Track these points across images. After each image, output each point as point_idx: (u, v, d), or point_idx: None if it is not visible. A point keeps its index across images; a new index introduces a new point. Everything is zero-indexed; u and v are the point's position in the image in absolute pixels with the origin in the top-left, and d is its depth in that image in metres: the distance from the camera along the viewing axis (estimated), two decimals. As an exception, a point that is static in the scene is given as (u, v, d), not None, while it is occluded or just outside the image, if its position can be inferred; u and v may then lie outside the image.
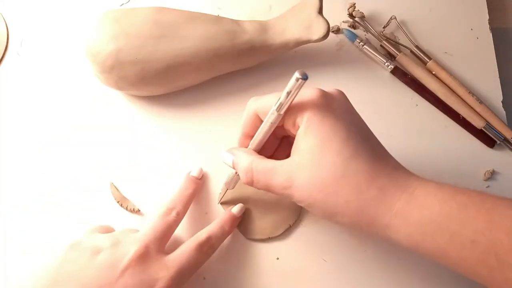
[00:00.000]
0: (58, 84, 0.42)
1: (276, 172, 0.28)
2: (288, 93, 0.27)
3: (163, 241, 0.33)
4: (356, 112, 0.30)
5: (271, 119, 0.29)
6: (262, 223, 0.38)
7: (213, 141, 0.41)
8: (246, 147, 0.32)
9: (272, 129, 0.30)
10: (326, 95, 0.29)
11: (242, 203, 0.38)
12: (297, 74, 0.26)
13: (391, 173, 0.27)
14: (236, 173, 0.34)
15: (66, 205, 0.38)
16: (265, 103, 0.30)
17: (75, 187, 0.39)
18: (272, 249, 0.38)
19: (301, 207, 0.38)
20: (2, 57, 0.43)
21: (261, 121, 0.30)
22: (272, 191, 0.29)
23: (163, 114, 0.42)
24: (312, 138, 0.27)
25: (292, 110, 0.28)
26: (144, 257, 0.30)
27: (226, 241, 0.37)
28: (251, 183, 0.30)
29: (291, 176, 0.28)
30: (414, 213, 0.26)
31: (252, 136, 0.31)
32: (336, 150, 0.27)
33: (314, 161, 0.27)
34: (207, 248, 0.33)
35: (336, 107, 0.28)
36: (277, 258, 0.37)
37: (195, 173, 0.38)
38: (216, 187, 0.39)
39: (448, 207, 0.25)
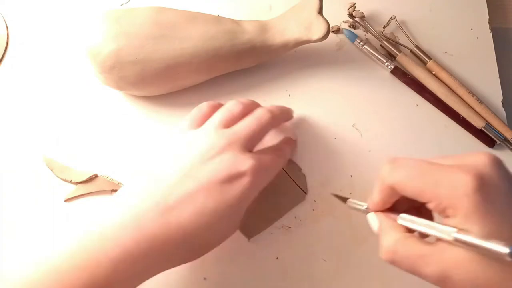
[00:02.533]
0: (59, 85, 0.42)
1: (426, 262, 0.24)
2: (477, 247, 0.21)
3: (252, 141, 0.32)
4: None
5: (442, 236, 0.24)
6: (261, 219, 0.38)
7: (213, 141, 0.41)
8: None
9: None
10: (484, 194, 0.23)
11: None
12: (505, 250, 0.20)
13: None
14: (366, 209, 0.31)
15: (66, 204, 0.38)
16: (402, 184, 0.26)
17: (75, 187, 0.39)
18: (272, 249, 0.38)
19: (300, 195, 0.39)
20: (2, 57, 0.43)
21: (398, 194, 0.27)
22: (419, 276, 0.25)
23: (163, 114, 0.42)
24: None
25: (441, 197, 0.24)
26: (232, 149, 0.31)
27: (226, 241, 0.37)
28: (392, 263, 0.26)
29: (446, 271, 0.23)
30: None
31: (385, 204, 0.28)
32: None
33: (475, 259, 0.23)
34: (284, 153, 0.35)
35: (497, 199, 0.23)
36: (277, 258, 0.37)
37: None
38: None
39: None
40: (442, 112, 0.43)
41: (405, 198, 0.27)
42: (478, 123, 0.42)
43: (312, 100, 0.43)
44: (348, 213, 0.39)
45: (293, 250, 0.38)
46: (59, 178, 0.39)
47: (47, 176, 0.39)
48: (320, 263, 0.37)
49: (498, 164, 0.24)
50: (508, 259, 0.19)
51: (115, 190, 0.38)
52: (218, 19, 0.39)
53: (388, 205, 0.28)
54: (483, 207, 0.22)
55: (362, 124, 0.42)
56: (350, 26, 0.47)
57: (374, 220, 0.29)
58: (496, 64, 0.46)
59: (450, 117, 0.43)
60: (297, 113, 0.43)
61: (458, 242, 0.22)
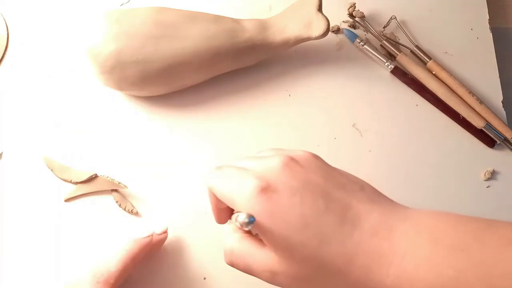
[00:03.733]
0: (59, 85, 0.42)
1: (255, 260, 0.26)
2: (241, 225, 0.23)
3: None
4: (315, 180, 0.25)
5: (238, 225, 0.24)
6: None
7: (213, 141, 0.41)
8: (222, 218, 0.31)
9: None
10: (262, 190, 0.24)
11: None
12: (242, 217, 0.22)
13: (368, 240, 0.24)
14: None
15: (65, 204, 0.38)
16: (213, 191, 0.27)
17: (75, 187, 0.39)
18: (272, 249, 0.38)
19: None
20: (2, 57, 0.43)
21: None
22: (255, 276, 0.27)
23: (164, 114, 0.42)
24: (272, 240, 0.24)
25: (234, 202, 0.25)
26: None
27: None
28: (231, 265, 0.28)
29: (272, 268, 0.25)
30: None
31: (224, 208, 0.30)
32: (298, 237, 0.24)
33: (286, 256, 0.24)
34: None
35: (281, 200, 0.24)
36: (277, 258, 0.37)
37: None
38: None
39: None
40: (442, 112, 0.43)
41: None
42: (478, 123, 0.42)
43: (312, 100, 0.43)
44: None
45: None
46: (59, 178, 0.39)
47: (47, 176, 0.39)
48: (320, 263, 0.37)
49: (287, 163, 0.26)
50: (248, 225, 0.22)
51: (115, 190, 0.38)
52: (218, 18, 0.39)
53: (225, 210, 0.30)
54: (264, 204, 0.24)
55: (362, 124, 0.42)
56: (350, 26, 0.47)
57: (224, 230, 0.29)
58: (496, 64, 0.46)
59: (450, 117, 0.43)
60: (297, 113, 0.43)
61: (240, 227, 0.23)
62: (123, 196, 0.39)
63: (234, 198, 0.25)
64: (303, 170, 0.26)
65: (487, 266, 0.21)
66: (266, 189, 0.24)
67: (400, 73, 0.44)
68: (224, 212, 0.30)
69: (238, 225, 0.23)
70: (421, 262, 0.22)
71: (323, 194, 0.25)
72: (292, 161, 0.26)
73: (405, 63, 0.44)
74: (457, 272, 0.21)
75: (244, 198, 0.24)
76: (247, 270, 0.27)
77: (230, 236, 0.28)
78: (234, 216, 0.25)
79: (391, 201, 0.26)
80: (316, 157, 0.28)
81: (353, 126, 0.42)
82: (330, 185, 0.25)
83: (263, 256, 0.26)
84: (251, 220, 0.22)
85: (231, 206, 0.26)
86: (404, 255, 0.23)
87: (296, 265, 0.24)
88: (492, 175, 0.41)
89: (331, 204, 0.24)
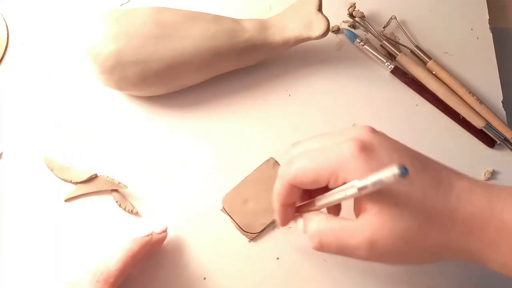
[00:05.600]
0: (59, 85, 0.42)
1: (351, 234, 0.26)
2: (377, 183, 0.23)
3: None
4: (401, 146, 0.27)
5: (349, 193, 0.25)
6: (261, 218, 0.38)
7: (213, 141, 0.41)
8: (287, 218, 0.31)
9: (344, 200, 0.27)
10: (362, 148, 0.26)
11: (242, 203, 0.38)
12: (396, 170, 0.21)
13: (467, 197, 0.25)
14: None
15: (65, 204, 0.38)
16: (300, 174, 0.27)
17: (75, 187, 0.39)
18: (272, 249, 0.38)
19: None
20: (2, 57, 0.43)
21: (298, 189, 0.28)
22: (348, 254, 0.27)
23: (164, 114, 0.42)
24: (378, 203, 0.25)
25: (334, 168, 0.26)
26: None
27: (226, 241, 0.37)
28: (320, 248, 0.27)
29: (371, 237, 0.25)
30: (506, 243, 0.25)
31: (291, 205, 0.30)
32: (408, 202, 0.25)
33: (394, 218, 0.25)
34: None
35: (378, 154, 0.26)
36: (277, 258, 0.37)
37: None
38: (215, 187, 0.39)
39: None
40: (442, 112, 0.43)
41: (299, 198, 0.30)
42: (478, 123, 0.42)
43: (312, 100, 0.43)
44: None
45: (293, 250, 0.38)
46: (59, 178, 0.39)
47: (47, 176, 0.39)
48: (320, 263, 0.37)
49: (372, 130, 0.28)
50: (400, 178, 0.21)
51: (115, 190, 0.38)
52: (218, 18, 0.39)
53: (290, 203, 0.30)
54: (369, 162, 0.25)
55: (362, 124, 0.42)
56: (350, 26, 0.47)
57: (299, 223, 0.30)
58: (496, 64, 0.46)
59: (450, 117, 0.43)
60: (297, 113, 0.43)
61: (362, 190, 0.24)
62: (123, 196, 0.39)
63: (335, 166, 0.26)
64: (387, 138, 0.27)
65: None
66: (365, 148, 0.25)
67: (400, 73, 0.44)
68: (291, 210, 0.30)
69: (354, 193, 0.24)
70: None
71: (415, 156, 0.27)
72: (374, 129, 0.28)
73: (405, 63, 0.44)
74: None
75: (347, 161, 0.25)
76: (341, 247, 0.26)
77: (312, 220, 0.28)
78: (338, 189, 0.26)
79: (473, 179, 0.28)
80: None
81: (353, 126, 0.42)
82: (415, 152, 0.27)
83: (359, 226, 0.26)
84: (403, 171, 0.21)
85: (330, 179, 0.26)
86: (502, 210, 0.25)
87: (401, 223, 0.25)
88: (492, 175, 0.41)
89: (425, 165, 0.26)
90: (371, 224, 0.25)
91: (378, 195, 0.25)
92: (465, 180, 0.26)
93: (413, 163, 0.26)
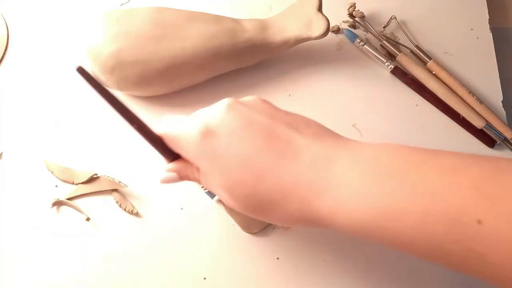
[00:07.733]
0: (59, 85, 0.42)
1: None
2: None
3: None
4: (257, 121, 0.25)
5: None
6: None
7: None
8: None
9: None
10: (203, 135, 0.25)
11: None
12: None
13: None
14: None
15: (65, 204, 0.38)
16: (166, 131, 0.28)
17: (75, 187, 0.39)
18: (272, 249, 0.38)
19: None
20: (2, 57, 0.43)
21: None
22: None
23: (164, 114, 0.42)
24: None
25: (182, 148, 0.27)
26: None
27: (226, 241, 0.37)
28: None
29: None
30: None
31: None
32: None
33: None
34: None
35: (220, 141, 0.25)
36: (277, 258, 0.37)
37: None
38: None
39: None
40: (442, 112, 0.43)
41: None
42: (478, 123, 0.42)
43: (312, 100, 0.43)
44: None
45: (293, 250, 0.38)
46: (60, 179, 0.39)
47: (47, 176, 0.39)
48: (320, 263, 0.37)
49: (231, 107, 0.26)
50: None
51: (116, 190, 0.38)
52: (218, 18, 0.39)
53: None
54: (206, 151, 0.25)
55: (362, 124, 0.42)
56: (350, 26, 0.47)
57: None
58: (496, 64, 0.46)
59: (450, 117, 0.43)
60: (297, 112, 0.43)
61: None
62: (123, 196, 0.39)
63: (181, 143, 0.26)
64: (247, 109, 0.26)
65: (423, 193, 0.20)
66: (206, 134, 0.25)
67: (400, 73, 0.44)
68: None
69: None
70: (354, 191, 0.22)
71: (265, 132, 0.25)
72: (237, 103, 0.26)
73: (405, 63, 0.44)
74: (390, 198, 0.21)
75: (188, 144, 0.26)
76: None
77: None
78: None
79: (339, 136, 0.26)
80: (265, 100, 0.28)
81: (353, 126, 0.42)
82: (274, 123, 0.25)
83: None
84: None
85: (179, 151, 0.27)
86: (338, 184, 0.22)
87: (239, 203, 0.25)
88: (492, 175, 0.41)
89: (271, 141, 0.24)
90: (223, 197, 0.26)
91: (215, 178, 0.25)
92: (313, 150, 0.24)
93: (254, 142, 0.24)
